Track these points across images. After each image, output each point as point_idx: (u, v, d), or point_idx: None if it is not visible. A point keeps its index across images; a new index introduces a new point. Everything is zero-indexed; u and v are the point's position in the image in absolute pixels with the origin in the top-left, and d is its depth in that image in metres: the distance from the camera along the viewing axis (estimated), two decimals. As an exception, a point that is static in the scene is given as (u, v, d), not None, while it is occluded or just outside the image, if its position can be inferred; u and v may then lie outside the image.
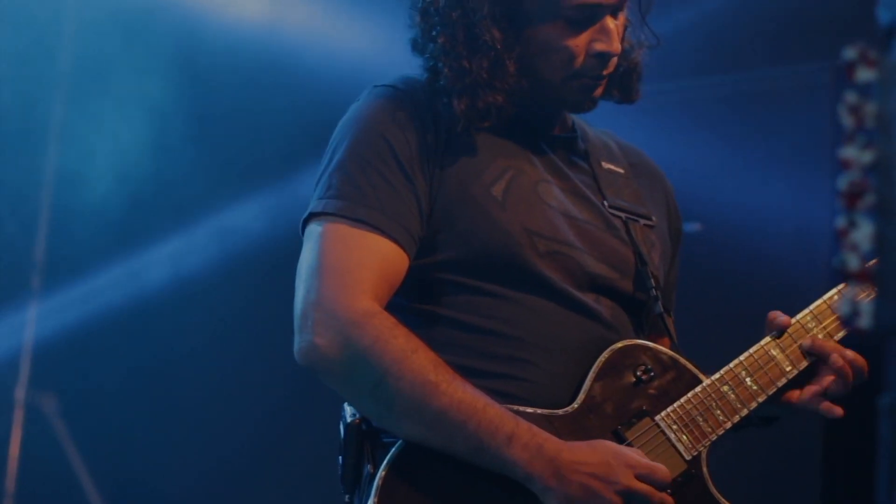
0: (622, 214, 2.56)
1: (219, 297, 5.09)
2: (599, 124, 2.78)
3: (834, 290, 2.49)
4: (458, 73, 2.40)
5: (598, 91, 2.48)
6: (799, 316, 2.47)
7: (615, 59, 2.45)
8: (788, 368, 2.43)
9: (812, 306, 2.48)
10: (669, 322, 2.54)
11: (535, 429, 2.25)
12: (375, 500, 2.22)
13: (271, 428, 5.03)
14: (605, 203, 2.55)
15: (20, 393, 4.92)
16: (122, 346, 5.02)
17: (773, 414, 2.54)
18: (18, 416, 4.90)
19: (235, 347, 5.07)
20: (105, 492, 4.98)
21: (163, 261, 5.08)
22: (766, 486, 3.85)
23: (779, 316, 2.47)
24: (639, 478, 2.23)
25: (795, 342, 2.44)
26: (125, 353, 5.02)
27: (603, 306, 2.45)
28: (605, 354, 2.39)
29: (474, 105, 2.39)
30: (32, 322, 4.96)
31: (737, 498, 2.38)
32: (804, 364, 2.44)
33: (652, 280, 2.51)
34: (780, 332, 2.46)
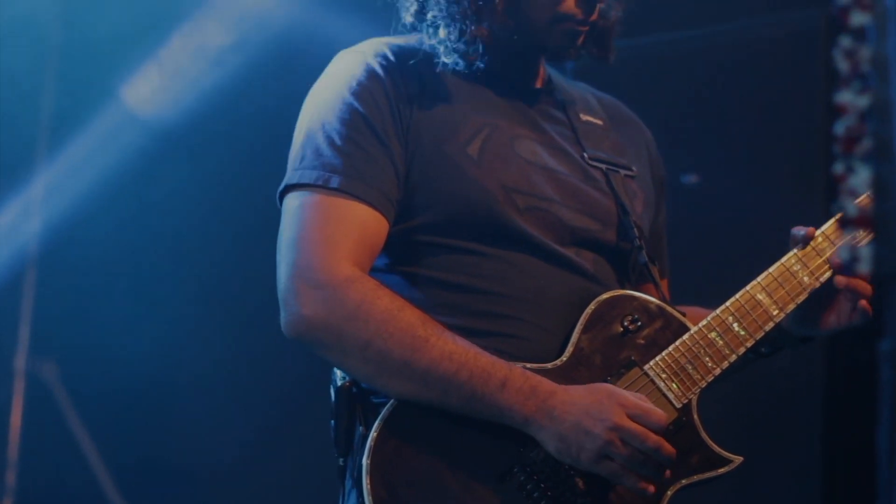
0: (602, 165, 2.56)
1: (218, 273, 5.05)
2: (589, 79, 2.78)
3: (818, 232, 2.47)
4: (448, 3, 2.42)
5: (581, 39, 2.48)
6: (784, 259, 2.46)
7: (599, 7, 2.46)
8: (775, 312, 2.43)
9: (795, 250, 2.46)
10: (654, 271, 2.53)
11: (528, 373, 2.27)
12: (368, 460, 2.23)
13: (276, 389, 5.03)
14: (585, 155, 2.55)
15: (20, 362, 4.91)
16: (124, 311, 5.01)
17: (810, 334, 2.53)
18: (19, 385, 4.90)
19: (239, 316, 5.04)
20: (109, 461, 4.98)
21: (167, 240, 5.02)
22: (761, 431, 3.87)
23: (801, 230, 2.46)
24: (631, 417, 2.24)
25: (782, 286, 2.44)
26: (126, 319, 5.00)
27: (585, 259, 2.45)
28: (591, 306, 2.39)
29: (462, 36, 2.42)
30: (31, 288, 4.94)
31: (730, 443, 2.39)
32: (791, 307, 2.44)
33: (635, 230, 2.51)
34: (805, 242, 2.45)
